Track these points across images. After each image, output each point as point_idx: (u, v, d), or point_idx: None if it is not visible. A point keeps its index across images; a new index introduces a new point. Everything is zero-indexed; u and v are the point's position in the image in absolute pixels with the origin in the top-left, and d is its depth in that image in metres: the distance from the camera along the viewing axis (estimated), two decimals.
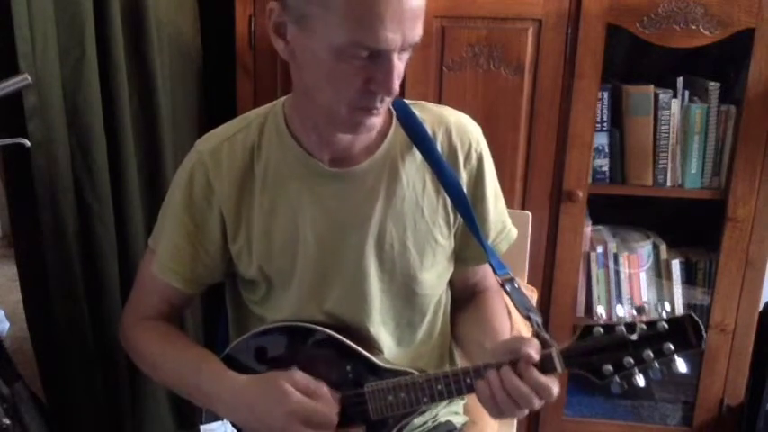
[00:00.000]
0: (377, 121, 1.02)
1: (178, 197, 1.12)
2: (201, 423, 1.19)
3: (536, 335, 1.00)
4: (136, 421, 1.59)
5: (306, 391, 1.03)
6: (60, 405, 1.40)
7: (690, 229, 1.98)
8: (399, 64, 0.94)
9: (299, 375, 1.05)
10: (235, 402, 1.07)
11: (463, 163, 1.12)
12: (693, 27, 1.68)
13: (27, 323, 1.38)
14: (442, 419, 1.23)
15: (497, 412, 0.98)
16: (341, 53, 0.91)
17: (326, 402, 1.04)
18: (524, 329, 1.25)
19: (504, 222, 1.20)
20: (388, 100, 0.99)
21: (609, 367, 0.95)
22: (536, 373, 0.95)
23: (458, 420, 1.25)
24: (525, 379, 0.95)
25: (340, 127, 1.03)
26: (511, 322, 1.18)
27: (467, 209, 1.10)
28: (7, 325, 2.69)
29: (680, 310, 1.92)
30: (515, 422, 1.50)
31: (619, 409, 2.06)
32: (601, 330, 0.95)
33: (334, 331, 1.10)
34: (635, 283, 1.92)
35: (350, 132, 1.04)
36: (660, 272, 1.94)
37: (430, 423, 1.21)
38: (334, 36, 0.90)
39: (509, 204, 1.23)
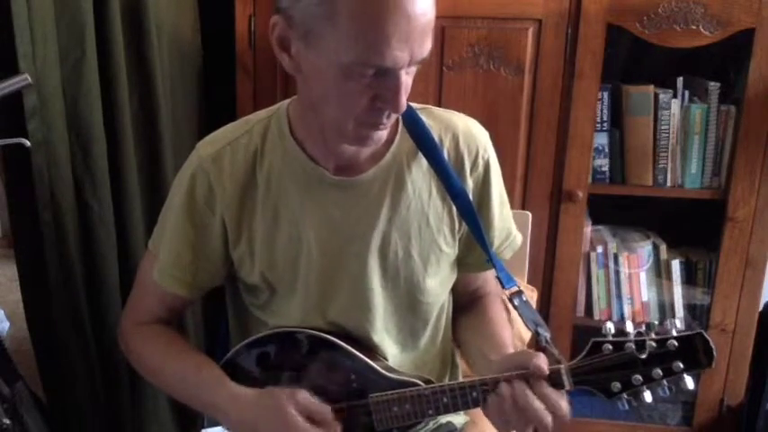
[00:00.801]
0: (384, 134, 1.01)
1: (179, 202, 1.10)
2: (204, 427, 1.18)
3: (544, 350, 1.00)
4: (136, 422, 1.59)
5: (308, 415, 1.02)
6: (60, 405, 1.40)
7: (690, 229, 1.98)
8: (407, 79, 0.93)
9: (302, 397, 1.03)
10: (235, 415, 1.06)
11: (470, 170, 1.11)
12: (693, 27, 1.68)
13: (27, 323, 1.38)
14: (443, 420, 1.22)
15: (505, 427, 0.98)
16: (348, 71, 0.89)
17: (328, 427, 1.03)
18: (524, 332, 1.25)
19: (509, 229, 1.19)
20: (395, 115, 0.97)
21: (617, 385, 0.94)
22: (548, 389, 0.94)
23: (458, 421, 1.25)
24: (537, 394, 0.94)
25: (347, 140, 1.01)
26: (511, 326, 1.18)
27: (473, 218, 1.09)
28: (7, 325, 2.69)
29: (680, 311, 1.92)
30: None
31: (619, 409, 2.05)
32: (610, 347, 0.94)
33: (339, 339, 1.10)
34: (635, 283, 1.92)
35: (357, 145, 1.03)
36: (660, 272, 1.94)
37: (431, 424, 1.21)
38: (341, 54, 0.88)
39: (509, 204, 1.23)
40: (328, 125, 1.00)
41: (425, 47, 0.91)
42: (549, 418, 0.94)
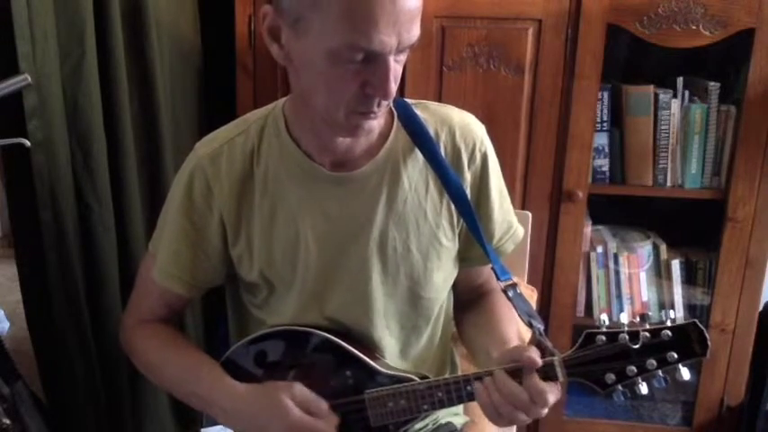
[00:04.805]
0: (375, 123, 1.01)
1: (178, 201, 1.11)
2: (202, 426, 1.19)
3: (537, 342, 0.99)
4: (136, 421, 1.59)
5: (306, 407, 1.03)
6: (60, 405, 1.40)
7: (690, 229, 1.98)
8: (396, 66, 0.93)
9: (299, 390, 1.04)
10: (234, 411, 1.06)
11: (467, 164, 1.11)
12: (693, 27, 1.68)
13: (27, 323, 1.38)
14: (443, 421, 1.23)
15: (497, 417, 0.98)
16: (336, 56, 0.89)
17: (326, 419, 1.03)
18: (526, 332, 1.24)
19: (510, 222, 1.19)
20: (386, 103, 0.97)
21: (611, 376, 0.94)
22: (535, 379, 0.94)
23: (458, 421, 1.25)
24: (524, 384, 0.95)
25: (338, 131, 1.01)
26: (517, 324, 1.18)
27: (469, 212, 1.09)
28: (7, 325, 2.69)
29: (680, 311, 1.92)
30: None
31: (619, 409, 2.06)
32: (603, 338, 0.94)
33: (336, 336, 1.10)
34: (635, 283, 1.92)
35: (348, 136, 1.03)
36: (660, 272, 1.94)
37: (431, 425, 1.21)
38: (329, 39, 0.88)
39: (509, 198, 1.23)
40: (320, 116, 0.99)
41: (413, 32, 0.91)
42: (530, 406, 0.94)
